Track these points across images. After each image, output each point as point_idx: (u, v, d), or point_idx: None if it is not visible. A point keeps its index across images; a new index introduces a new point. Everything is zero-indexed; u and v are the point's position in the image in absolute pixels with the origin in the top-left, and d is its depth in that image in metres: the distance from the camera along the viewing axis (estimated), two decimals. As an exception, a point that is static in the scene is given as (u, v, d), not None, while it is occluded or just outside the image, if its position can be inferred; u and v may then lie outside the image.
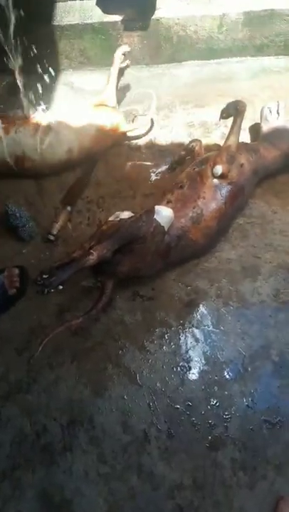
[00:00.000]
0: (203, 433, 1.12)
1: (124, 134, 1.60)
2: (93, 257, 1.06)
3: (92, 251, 1.07)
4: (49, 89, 1.70)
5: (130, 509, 1.04)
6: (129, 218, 1.20)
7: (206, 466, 1.08)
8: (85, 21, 1.79)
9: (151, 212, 1.15)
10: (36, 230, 1.40)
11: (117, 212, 1.29)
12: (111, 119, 1.56)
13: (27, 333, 1.27)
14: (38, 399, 1.18)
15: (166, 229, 1.16)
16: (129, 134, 1.63)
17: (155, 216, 1.15)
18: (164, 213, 1.16)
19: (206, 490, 1.06)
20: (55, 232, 1.37)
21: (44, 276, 1.20)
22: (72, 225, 1.43)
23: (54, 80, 1.65)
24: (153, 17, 1.77)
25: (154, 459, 1.09)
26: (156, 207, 1.18)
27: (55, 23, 1.80)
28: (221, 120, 1.41)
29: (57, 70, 1.84)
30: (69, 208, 1.43)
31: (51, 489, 1.07)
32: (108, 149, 1.61)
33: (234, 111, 1.30)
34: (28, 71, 1.56)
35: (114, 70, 1.61)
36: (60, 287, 1.07)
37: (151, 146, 1.67)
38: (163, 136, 1.70)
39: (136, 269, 1.19)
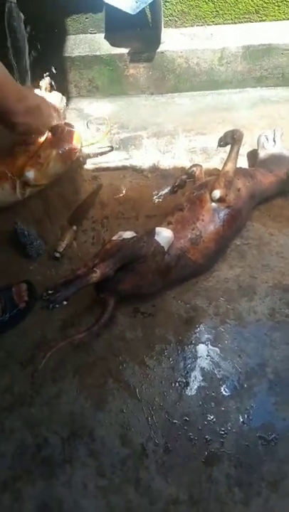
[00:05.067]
0: (199, 448, 1.14)
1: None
2: (96, 275, 1.12)
3: (95, 269, 1.12)
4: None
5: (127, 523, 1.06)
6: (131, 238, 1.26)
7: (202, 482, 1.10)
8: (94, 53, 1.89)
9: (152, 233, 1.21)
10: (43, 248, 1.46)
11: (120, 232, 1.35)
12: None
13: (31, 348, 1.31)
14: (40, 412, 1.21)
15: (166, 249, 1.22)
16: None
17: (156, 237, 1.21)
18: (164, 234, 1.22)
19: (201, 505, 1.07)
20: (61, 250, 1.43)
21: (49, 292, 1.25)
22: (78, 243, 1.49)
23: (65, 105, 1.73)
24: (158, 50, 1.87)
25: (151, 473, 1.12)
26: (157, 228, 1.24)
27: (66, 54, 1.91)
28: (216, 146, 1.49)
29: (67, 97, 1.93)
30: (75, 227, 1.49)
31: (50, 502, 1.09)
32: (111, 172, 1.69)
33: (231, 139, 1.37)
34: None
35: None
36: (65, 303, 1.12)
37: (155, 169, 1.74)
38: (166, 161, 1.77)
39: (137, 287, 1.24)
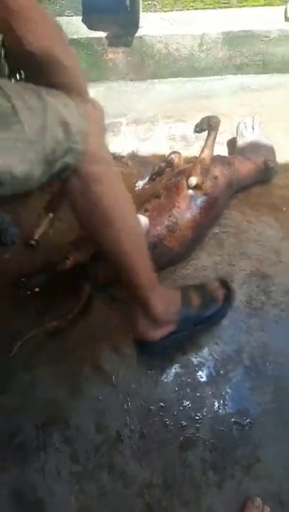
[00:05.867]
0: (174, 433, 1.15)
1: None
2: (69, 261, 1.10)
3: (68, 255, 1.11)
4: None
5: (101, 507, 1.06)
6: None
7: (177, 466, 1.11)
8: (71, 36, 1.86)
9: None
10: (18, 235, 1.44)
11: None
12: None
13: (4, 336, 1.29)
14: (14, 399, 1.20)
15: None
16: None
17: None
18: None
19: (175, 489, 1.08)
20: (36, 238, 1.40)
21: (22, 279, 1.24)
22: (54, 231, 1.47)
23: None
24: (136, 34, 1.85)
25: (126, 458, 1.12)
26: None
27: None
28: (196, 134, 1.48)
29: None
30: (51, 215, 1.46)
31: (24, 488, 1.09)
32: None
33: (207, 126, 1.37)
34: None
35: None
36: (37, 289, 1.10)
37: (134, 157, 1.73)
38: (145, 148, 1.76)
39: (112, 275, 1.23)
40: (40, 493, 1.08)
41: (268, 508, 1.04)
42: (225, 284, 1.28)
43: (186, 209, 1.29)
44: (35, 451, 1.13)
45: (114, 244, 0.92)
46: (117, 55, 1.88)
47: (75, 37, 1.84)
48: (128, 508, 1.06)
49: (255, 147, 1.53)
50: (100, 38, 1.84)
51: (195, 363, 1.25)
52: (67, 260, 1.10)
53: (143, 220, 1.21)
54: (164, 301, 1.11)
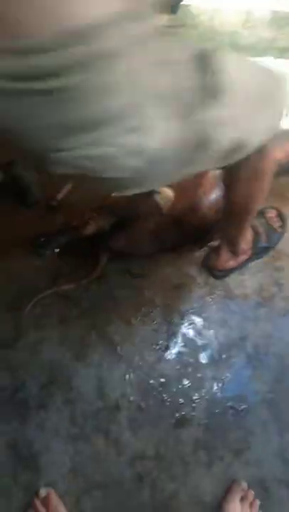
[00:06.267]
0: (171, 410, 1.18)
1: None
2: (90, 227, 1.10)
3: (90, 221, 1.10)
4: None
5: (92, 470, 1.10)
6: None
7: (169, 441, 1.14)
8: None
9: (153, 191, 1.19)
10: (40, 196, 1.43)
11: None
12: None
13: (18, 292, 1.31)
14: (21, 355, 1.22)
15: (164, 210, 1.20)
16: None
17: (155, 196, 1.19)
18: (164, 194, 1.19)
19: (165, 462, 1.12)
20: (58, 199, 1.40)
21: (42, 239, 1.23)
22: (76, 195, 1.46)
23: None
24: (183, 2, 1.77)
25: (121, 427, 1.15)
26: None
27: None
28: None
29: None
30: (74, 180, 1.45)
31: (21, 441, 1.13)
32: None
33: None
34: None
35: None
36: (56, 250, 1.10)
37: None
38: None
39: (130, 246, 1.23)
40: (37, 448, 1.12)
41: (252, 492, 1.07)
42: (280, 213, 1.39)
43: (211, 189, 1.27)
44: (36, 408, 1.17)
45: (252, 202, 1.01)
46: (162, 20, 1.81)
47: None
48: (118, 475, 1.10)
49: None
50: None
51: (199, 343, 1.27)
52: (89, 225, 1.10)
53: (168, 193, 1.20)
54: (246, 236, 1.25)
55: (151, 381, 1.21)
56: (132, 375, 1.21)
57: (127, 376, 1.21)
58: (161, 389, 1.20)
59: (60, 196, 1.40)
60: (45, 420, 1.15)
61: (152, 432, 1.15)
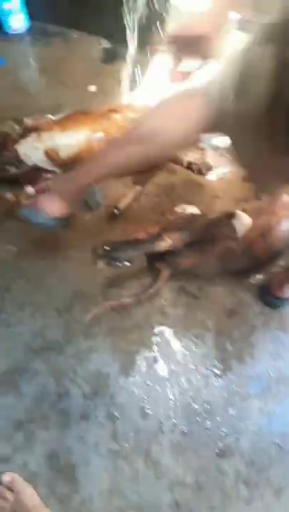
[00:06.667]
0: (214, 438, 1.14)
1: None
2: (166, 244, 1.08)
3: (166, 237, 1.08)
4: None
5: (130, 490, 1.07)
6: (212, 217, 1.21)
7: (211, 470, 1.11)
8: None
9: (232, 215, 1.17)
10: (102, 201, 1.41)
11: (183, 205, 1.31)
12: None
13: (70, 297, 1.29)
14: (67, 362, 1.21)
15: (238, 235, 1.18)
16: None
17: (234, 220, 1.16)
18: (243, 221, 1.17)
19: (204, 492, 1.08)
20: (121, 208, 1.38)
21: (105, 247, 1.22)
22: (138, 205, 1.44)
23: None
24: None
25: (163, 449, 1.12)
26: (238, 212, 1.19)
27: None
28: None
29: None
30: (139, 188, 1.44)
31: (61, 451, 1.11)
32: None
33: None
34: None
35: None
36: (127, 264, 1.09)
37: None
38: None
39: (196, 266, 1.21)
40: (76, 460, 1.10)
41: None
42: None
43: (282, 219, 1.24)
44: (79, 419, 1.14)
45: None
46: None
47: None
48: (155, 499, 1.07)
49: None
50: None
51: (249, 373, 1.23)
52: (164, 242, 1.07)
53: (247, 220, 1.17)
54: None
55: (197, 406, 1.18)
56: (177, 397, 1.18)
57: (173, 398, 1.18)
58: (206, 415, 1.17)
59: (122, 204, 1.39)
60: (86, 432, 1.13)
61: (194, 458, 1.12)
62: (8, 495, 1.01)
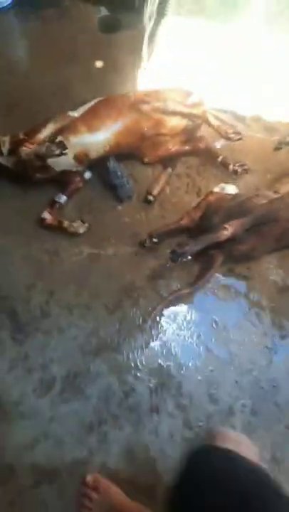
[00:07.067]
0: (285, 413, 1.16)
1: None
2: (227, 233, 1.05)
3: (226, 226, 1.05)
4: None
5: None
6: (267, 200, 1.17)
7: (285, 445, 1.14)
8: None
9: (287, 197, 1.13)
10: (134, 190, 1.35)
11: (222, 185, 1.27)
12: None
13: (118, 292, 1.26)
14: (127, 359, 1.19)
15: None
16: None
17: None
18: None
19: (284, 465, 1.11)
20: (155, 193, 1.33)
21: (154, 239, 1.18)
22: (171, 188, 1.38)
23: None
24: None
25: (236, 430, 1.14)
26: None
27: None
28: None
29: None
30: (170, 170, 1.37)
31: (136, 447, 1.11)
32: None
33: None
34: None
35: None
36: (189, 258, 1.05)
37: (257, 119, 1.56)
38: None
39: (252, 250, 1.18)
40: (153, 454, 1.11)
41: None
42: None
43: None
44: (149, 413, 1.15)
45: None
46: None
47: None
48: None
49: None
50: None
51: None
52: (225, 231, 1.04)
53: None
54: None
55: (263, 385, 1.19)
56: (243, 379, 1.19)
57: (238, 381, 1.19)
58: (273, 393, 1.18)
59: (156, 190, 1.33)
60: (158, 425, 1.14)
61: (267, 435, 1.14)
62: (94, 495, 1.02)
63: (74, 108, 1.28)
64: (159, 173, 1.38)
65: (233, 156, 1.42)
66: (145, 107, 1.25)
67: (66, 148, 1.15)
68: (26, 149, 1.15)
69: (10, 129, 1.31)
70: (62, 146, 1.13)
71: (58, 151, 1.12)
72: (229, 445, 0.79)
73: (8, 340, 1.19)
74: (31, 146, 1.15)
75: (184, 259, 1.06)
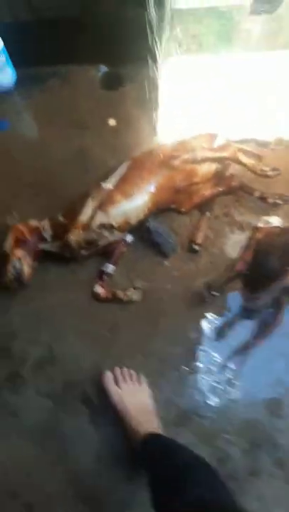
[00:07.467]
0: None
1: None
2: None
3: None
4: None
5: None
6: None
7: None
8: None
9: None
10: (177, 243, 1.31)
11: (265, 218, 1.22)
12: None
13: (185, 351, 1.20)
14: (212, 423, 1.13)
15: None
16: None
17: None
18: None
19: None
20: (200, 242, 1.29)
21: (213, 293, 1.13)
22: (213, 231, 1.34)
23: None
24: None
25: None
26: None
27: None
28: None
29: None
30: (208, 214, 1.34)
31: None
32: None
33: None
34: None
35: None
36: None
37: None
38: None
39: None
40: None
41: None
42: None
43: None
44: (249, 478, 1.08)
45: None
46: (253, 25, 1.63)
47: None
48: None
49: None
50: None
51: None
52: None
53: None
54: None
55: None
56: None
57: None
58: None
59: (199, 238, 1.29)
60: (260, 488, 1.07)
61: None
62: (130, 379, 1.13)
63: (104, 177, 1.25)
64: (197, 220, 1.34)
65: (266, 187, 1.38)
66: (176, 162, 1.22)
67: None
68: (74, 238, 1.13)
69: (43, 211, 1.30)
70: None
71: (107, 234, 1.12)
72: None
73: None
74: (78, 232, 1.14)
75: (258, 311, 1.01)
